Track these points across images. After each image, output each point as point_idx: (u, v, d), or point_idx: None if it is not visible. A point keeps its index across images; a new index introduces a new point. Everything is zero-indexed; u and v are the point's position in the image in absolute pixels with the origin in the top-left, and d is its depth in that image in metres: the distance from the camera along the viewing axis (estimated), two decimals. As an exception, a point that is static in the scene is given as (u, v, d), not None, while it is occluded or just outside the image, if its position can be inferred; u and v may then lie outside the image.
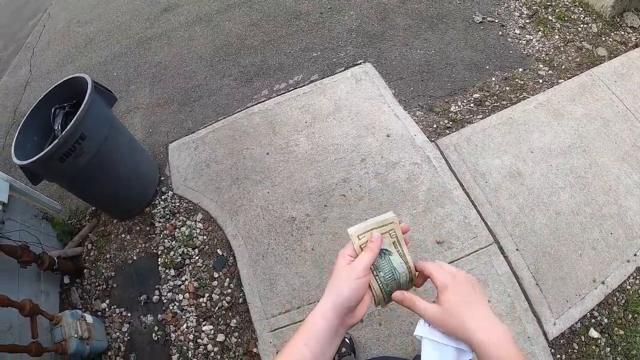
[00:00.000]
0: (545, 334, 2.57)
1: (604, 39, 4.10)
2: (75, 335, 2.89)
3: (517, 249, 2.86)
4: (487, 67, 3.99)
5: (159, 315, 3.25)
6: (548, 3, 4.47)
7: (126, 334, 3.26)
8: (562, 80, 3.76)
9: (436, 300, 0.96)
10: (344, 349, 2.59)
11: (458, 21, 4.42)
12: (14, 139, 3.15)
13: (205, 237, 3.48)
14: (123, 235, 3.75)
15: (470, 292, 0.95)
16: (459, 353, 0.91)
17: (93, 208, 4.00)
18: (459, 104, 3.75)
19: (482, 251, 2.86)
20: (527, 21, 4.33)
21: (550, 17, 4.33)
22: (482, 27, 4.32)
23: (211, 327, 3.08)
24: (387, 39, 4.39)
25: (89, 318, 3.11)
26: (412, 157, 3.36)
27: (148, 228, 3.71)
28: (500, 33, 4.24)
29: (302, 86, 4.18)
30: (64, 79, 3.36)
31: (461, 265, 2.82)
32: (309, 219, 3.23)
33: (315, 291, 2.91)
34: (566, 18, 4.29)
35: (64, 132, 2.87)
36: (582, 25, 4.23)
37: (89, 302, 3.51)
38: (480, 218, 3.01)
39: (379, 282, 0.98)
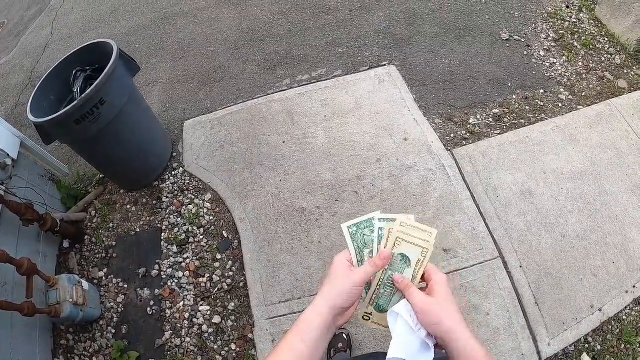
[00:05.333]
0: (539, 353, 2.59)
1: (626, 71, 4.11)
2: (70, 300, 2.88)
3: (520, 266, 2.88)
4: (509, 84, 4.00)
5: (156, 290, 3.25)
6: (575, 29, 4.48)
7: (121, 305, 3.26)
8: (581, 107, 3.78)
9: (427, 291, 1.00)
10: (340, 345, 2.60)
11: (485, 36, 4.44)
12: (32, 96, 3.14)
13: (212, 218, 3.48)
14: (128, 206, 3.75)
15: (451, 293, 0.98)
16: (423, 347, 0.94)
17: (101, 175, 3.99)
18: (478, 117, 3.77)
19: (487, 264, 2.88)
20: (553, 44, 4.33)
21: (575, 44, 4.34)
22: (508, 45, 4.33)
23: (208, 307, 3.08)
24: (414, 44, 4.40)
25: (85, 285, 3.11)
26: (427, 163, 3.37)
27: (155, 202, 3.70)
28: (525, 53, 4.26)
29: (324, 80, 4.19)
30: (89, 42, 3.36)
31: (465, 276, 2.84)
32: (319, 211, 3.24)
33: (318, 284, 2.91)
34: (591, 46, 4.30)
35: (84, 94, 2.86)
36: (605, 55, 4.24)
37: (86, 269, 3.50)
38: (488, 231, 3.02)
39: (372, 294, 1.03)
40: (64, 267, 3.55)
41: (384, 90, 3.91)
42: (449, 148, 3.51)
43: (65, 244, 3.62)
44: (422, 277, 1.02)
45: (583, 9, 4.67)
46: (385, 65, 4.21)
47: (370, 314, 1.04)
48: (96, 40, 3.32)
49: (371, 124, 3.67)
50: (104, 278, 3.42)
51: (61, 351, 3.13)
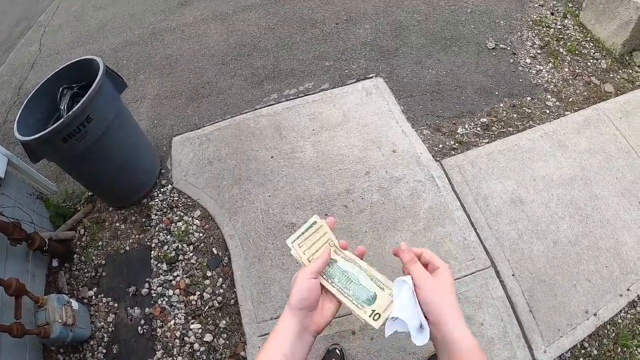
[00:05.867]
0: (534, 362, 2.58)
1: (612, 75, 4.16)
2: (60, 320, 2.84)
3: (513, 275, 2.88)
4: (496, 92, 4.03)
5: (147, 309, 3.21)
6: (560, 36, 4.53)
7: (111, 325, 3.21)
8: (569, 113, 3.81)
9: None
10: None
11: (471, 45, 4.47)
12: (18, 114, 3.12)
13: (201, 235, 3.46)
14: (117, 224, 3.71)
15: (452, 282, 0.98)
16: (418, 330, 0.94)
17: (89, 193, 3.96)
18: (466, 126, 3.78)
19: (479, 273, 2.88)
20: (539, 51, 4.38)
21: (561, 50, 4.39)
22: (494, 54, 4.37)
23: (199, 325, 3.05)
24: (400, 56, 4.42)
25: (74, 304, 3.07)
26: (416, 175, 3.37)
27: (144, 219, 3.67)
28: (511, 61, 4.29)
29: (312, 94, 4.19)
30: (76, 60, 3.34)
31: (457, 286, 2.77)
32: (308, 226, 3.22)
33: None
34: (577, 52, 4.35)
35: (71, 112, 2.85)
36: (591, 61, 4.29)
37: (75, 288, 3.46)
38: (479, 241, 3.03)
39: (339, 289, 1.01)
40: (53, 286, 3.50)
41: (372, 103, 3.92)
42: (438, 158, 3.52)
43: (54, 263, 3.59)
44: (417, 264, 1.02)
45: (567, 15, 4.73)
46: (372, 77, 4.23)
47: (373, 310, 0.99)
48: (82, 57, 3.31)
49: (359, 136, 3.67)
50: (93, 297, 3.38)
51: (51, 373, 3.08)
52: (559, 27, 4.62)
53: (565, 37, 4.52)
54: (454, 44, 4.50)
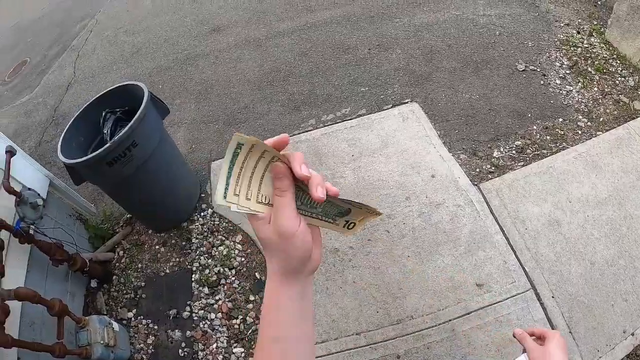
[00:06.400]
0: (576, 382, 2.58)
1: None
2: (101, 342, 2.88)
3: (552, 296, 2.89)
4: (529, 115, 4.04)
5: (188, 332, 3.25)
6: (587, 55, 4.53)
7: (151, 346, 3.26)
8: (600, 132, 3.81)
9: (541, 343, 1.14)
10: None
11: (502, 68, 4.50)
12: (61, 137, 3.20)
13: (243, 259, 3.51)
14: (157, 247, 3.79)
15: (563, 354, 1.09)
16: None
17: (128, 215, 4.04)
18: (501, 150, 3.81)
19: (520, 296, 2.90)
20: (568, 72, 4.39)
21: (589, 69, 4.39)
22: (524, 75, 4.39)
23: (242, 349, 3.09)
24: (434, 80, 4.48)
25: (115, 326, 3.12)
26: (456, 199, 3.41)
27: (184, 243, 3.74)
28: (542, 82, 4.31)
29: (349, 119, 4.26)
30: (120, 84, 3.46)
31: (499, 310, 2.86)
32: (352, 251, 3.27)
33: (354, 324, 2.93)
34: (604, 70, 4.35)
35: (117, 136, 2.93)
36: (619, 79, 4.28)
37: (114, 309, 3.52)
38: (519, 264, 3.05)
39: (304, 211, 0.79)
40: (91, 306, 3.57)
41: (409, 128, 3.98)
42: (476, 183, 3.55)
43: (93, 284, 3.67)
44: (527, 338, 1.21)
45: (593, 34, 4.74)
46: (407, 102, 4.28)
47: (347, 221, 0.83)
48: (126, 83, 3.42)
49: (398, 162, 3.73)
50: (133, 318, 3.43)
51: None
52: (586, 45, 4.63)
53: (593, 55, 4.53)
54: (485, 67, 4.54)
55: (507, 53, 4.65)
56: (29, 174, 3.35)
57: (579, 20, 4.94)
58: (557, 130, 3.89)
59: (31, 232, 2.97)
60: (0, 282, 2.56)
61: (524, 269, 3.02)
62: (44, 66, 7.20)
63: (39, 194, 3.19)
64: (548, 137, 3.85)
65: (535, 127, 3.94)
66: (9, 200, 2.92)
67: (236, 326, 3.20)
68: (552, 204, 3.34)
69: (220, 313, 3.27)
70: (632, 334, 2.75)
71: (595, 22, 4.89)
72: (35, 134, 5.66)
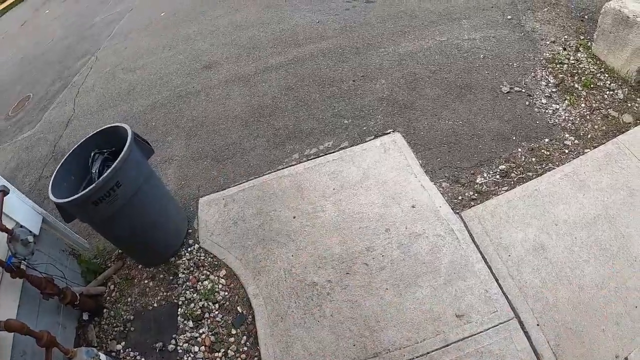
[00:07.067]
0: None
1: (629, 104, 4.07)
2: None
3: (537, 324, 2.83)
4: (514, 137, 4.02)
5: (173, 365, 3.30)
6: (574, 71, 4.49)
7: None
8: (588, 150, 3.75)
9: None
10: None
11: (486, 91, 4.50)
12: (52, 177, 3.37)
13: (226, 294, 3.55)
14: (146, 281, 3.86)
15: None
16: None
17: (119, 250, 4.12)
18: (485, 175, 3.79)
19: (502, 326, 2.85)
20: (554, 90, 4.36)
21: (576, 85, 4.35)
22: (509, 97, 4.38)
23: (224, 383, 3.11)
24: (417, 109, 4.51)
25: (103, 357, 3.16)
26: (436, 229, 3.41)
27: (171, 277, 3.80)
28: (527, 103, 4.28)
29: (332, 152, 4.30)
30: (106, 127, 3.62)
31: (480, 340, 2.81)
32: (330, 285, 3.29)
33: (331, 358, 2.94)
34: (592, 85, 4.30)
35: (101, 178, 3.07)
36: (608, 92, 4.22)
37: (104, 341, 3.59)
38: (502, 292, 3.00)
39: None
40: (82, 338, 3.64)
41: (390, 159, 4.01)
42: (457, 211, 3.54)
43: (85, 317, 3.75)
44: None
45: (580, 49, 4.70)
46: (389, 132, 4.31)
47: None
48: (112, 125, 3.58)
49: (379, 193, 3.75)
50: (121, 351, 3.50)
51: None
52: (572, 61, 4.60)
53: (580, 71, 4.48)
54: (469, 91, 4.55)
55: (491, 76, 4.67)
56: (22, 211, 3.48)
57: (565, 37, 4.92)
58: (542, 151, 3.86)
59: (22, 267, 3.09)
60: None
61: (506, 297, 2.98)
62: (46, 102, 7.44)
63: (30, 231, 3.31)
64: (533, 159, 3.81)
65: (520, 150, 3.91)
66: (1, 237, 3.05)
67: (218, 359, 3.22)
68: (537, 228, 3.30)
69: (203, 346, 3.31)
70: (626, 359, 2.66)
71: (582, 37, 4.85)
72: (35, 169, 5.82)
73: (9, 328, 2.61)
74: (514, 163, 3.83)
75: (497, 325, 2.86)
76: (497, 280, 3.07)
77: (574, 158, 3.73)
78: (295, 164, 4.32)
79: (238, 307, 3.44)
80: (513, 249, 3.22)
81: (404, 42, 5.44)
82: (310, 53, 5.81)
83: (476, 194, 3.66)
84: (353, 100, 4.87)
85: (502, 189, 3.65)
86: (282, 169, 4.32)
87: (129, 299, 3.79)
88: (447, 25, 5.52)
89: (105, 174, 3.10)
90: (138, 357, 3.43)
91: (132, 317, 3.68)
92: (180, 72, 6.51)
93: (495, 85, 4.55)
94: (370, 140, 4.30)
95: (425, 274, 3.19)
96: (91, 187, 3.05)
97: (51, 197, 3.18)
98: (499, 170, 3.80)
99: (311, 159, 4.32)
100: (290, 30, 6.47)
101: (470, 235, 3.35)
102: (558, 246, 3.17)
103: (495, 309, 2.93)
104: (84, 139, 3.61)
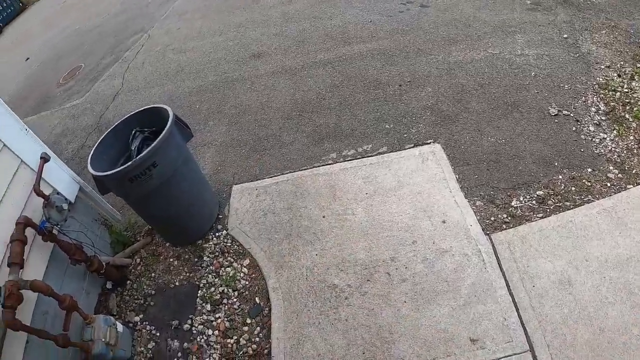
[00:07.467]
0: None
1: None
2: (103, 340, 3.09)
3: (551, 361, 2.75)
4: (556, 163, 3.88)
5: (185, 344, 3.39)
6: (627, 100, 4.30)
7: (150, 352, 3.43)
8: (631, 186, 3.58)
9: None
10: None
11: (533, 111, 4.37)
12: (93, 148, 3.51)
13: (247, 283, 3.60)
14: (171, 260, 3.96)
15: None
16: None
17: (149, 227, 4.23)
18: (521, 199, 3.68)
19: (515, 357, 2.77)
20: (603, 118, 4.18)
21: (627, 116, 4.16)
22: (556, 120, 4.23)
23: (230, 368, 3.18)
24: (460, 121, 4.43)
25: (120, 327, 3.32)
26: (464, 248, 3.35)
27: (196, 259, 3.89)
28: (574, 128, 4.13)
29: (369, 156, 4.28)
30: (149, 106, 3.71)
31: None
32: (349, 289, 3.28)
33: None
34: None
35: (139, 156, 3.16)
36: None
37: (124, 311, 3.73)
38: (520, 322, 2.92)
39: None
40: (103, 305, 3.78)
41: (427, 170, 3.97)
42: (488, 232, 3.46)
43: (108, 285, 3.89)
44: None
45: (636, 77, 4.51)
46: (430, 143, 4.26)
47: None
48: (155, 105, 3.66)
49: (411, 204, 3.72)
50: (139, 323, 3.62)
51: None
52: (626, 90, 4.40)
53: (632, 101, 4.28)
54: (515, 109, 4.43)
55: (540, 96, 4.53)
56: (61, 179, 3.65)
57: (622, 63, 4.72)
58: (584, 181, 3.71)
59: (54, 232, 3.25)
60: (19, 273, 2.79)
61: (524, 328, 2.90)
62: (96, 74, 7.68)
63: (66, 199, 3.48)
64: (573, 189, 3.67)
65: (560, 177, 3.77)
66: (38, 202, 3.21)
67: (229, 345, 3.28)
68: (566, 261, 3.18)
69: (217, 331, 3.39)
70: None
71: (638, 65, 4.64)
72: (79, 137, 6.03)
73: (34, 288, 2.75)
74: (552, 190, 3.70)
75: (510, 356, 2.79)
76: (517, 310, 2.98)
77: (615, 193, 3.57)
78: (332, 164, 4.33)
79: (256, 298, 3.49)
80: (539, 279, 3.12)
81: (455, 52, 5.36)
82: (359, 52, 5.79)
83: (509, 217, 3.56)
84: (397, 105, 4.83)
85: (537, 215, 3.54)
86: (318, 166, 4.34)
87: (153, 274, 3.90)
88: (501, 38, 5.41)
89: (144, 152, 3.18)
90: (153, 331, 3.53)
91: (153, 292, 3.79)
92: (229, 58, 6.60)
93: (543, 106, 4.41)
94: (409, 148, 4.26)
95: (445, 292, 3.14)
96: (128, 164, 3.14)
97: (90, 169, 3.30)
98: (536, 196, 3.69)
99: (348, 160, 4.31)
100: (341, 27, 6.47)
101: (498, 259, 3.27)
102: (585, 283, 3.06)
103: (510, 338, 2.86)
104: (127, 116, 3.72)
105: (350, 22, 6.52)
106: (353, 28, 6.36)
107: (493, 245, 3.35)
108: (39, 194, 3.16)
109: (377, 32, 6.11)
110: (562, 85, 4.60)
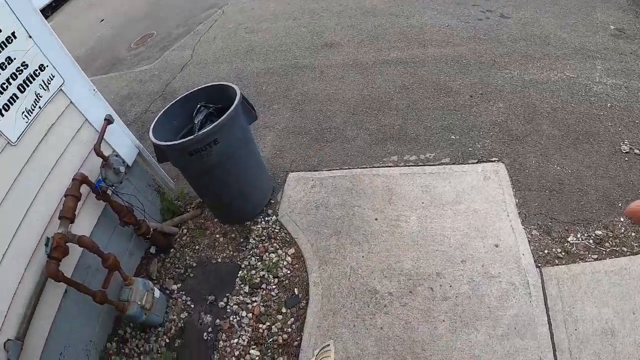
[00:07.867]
0: None
1: None
2: (139, 303, 3.23)
3: (578, 414, 2.64)
4: (620, 204, 3.69)
5: (217, 320, 3.47)
6: None
7: (182, 321, 3.53)
8: None
9: None
10: None
11: (604, 144, 4.16)
12: (157, 117, 3.61)
13: (288, 272, 3.63)
14: (217, 236, 4.04)
15: None
16: None
17: (201, 200, 4.30)
18: (579, 235, 3.53)
19: (543, 400, 2.69)
20: None
21: None
22: (626, 159, 4.01)
23: (258, 353, 3.22)
24: (528, 143, 4.27)
25: (156, 293, 3.46)
26: (512, 277, 3.25)
27: (242, 240, 3.95)
28: None
29: (430, 165, 4.21)
30: (217, 83, 3.78)
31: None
32: (390, 297, 3.26)
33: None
34: None
35: (202, 132, 3.23)
36: None
37: (163, 277, 3.85)
38: (555, 365, 2.82)
39: None
40: (144, 269, 3.94)
41: (487, 189, 3.86)
42: (539, 264, 3.34)
43: (152, 250, 4.03)
44: None
45: None
46: (494, 161, 4.14)
47: None
48: (223, 82, 3.72)
49: (466, 221, 3.64)
50: (175, 291, 3.73)
51: (115, 339, 3.48)
52: None
53: None
54: (586, 140, 4.22)
55: (614, 129, 4.29)
56: (121, 141, 3.77)
57: None
58: (646, 228, 3.53)
59: (108, 192, 3.41)
60: (69, 227, 2.91)
61: (558, 372, 2.80)
62: (167, 43, 7.87)
63: (124, 161, 3.61)
64: (633, 234, 3.49)
65: (622, 220, 3.59)
66: (97, 161, 3.34)
67: (261, 330, 3.33)
68: (613, 310, 3.04)
69: (251, 314, 3.44)
70: None
71: None
72: (144, 102, 6.21)
73: (80, 243, 2.90)
74: (611, 232, 3.52)
75: (537, 398, 2.69)
76: (554, 351, 2.87)
77: (677, 245, 3.38)
78: (392, 166, 4.28)
79: (295, 289, 3.51)
80: (582, 324, 2.99)
81: (532, 69, 5.16)
82: (432, 56, 5.68)
83: (563, 253, 3.42)
84: (465, 117, 4.71)
85: (592, 256, 3.38)
86: (378, 167, 4.30)
87: (197, 247, 3.99)
88: (580, 61, 5.15)
89: (208, 128, 3.24)
90: (188, 302, 3.63)
91: (194, 264, 3.88)
92: (300, 44, 6.61)
93: (616, 141, 4.18)
94: (472, 163, 4.16)
95: (485, 318, 3.06)
96: (191, 137, 3.21)
97: (151, 136, 3.39)
98: (594, 235, 3.51)
99: (409, 166, 4.26)
100: (417, 28, 6.34)
101: (544, 294, 3.15)
102: (629, 337, 2.90)
103: (541, 380, 2.76)
104: (194, 89, 3.79)
105: (427, 23, 6.38)
106: (429, 30, 6.23)
107: (542, 280, 3.23)
108: (99, 154, 3.28)
109: (453, 38, 5.97)
110: (637, 121, 4.35)
